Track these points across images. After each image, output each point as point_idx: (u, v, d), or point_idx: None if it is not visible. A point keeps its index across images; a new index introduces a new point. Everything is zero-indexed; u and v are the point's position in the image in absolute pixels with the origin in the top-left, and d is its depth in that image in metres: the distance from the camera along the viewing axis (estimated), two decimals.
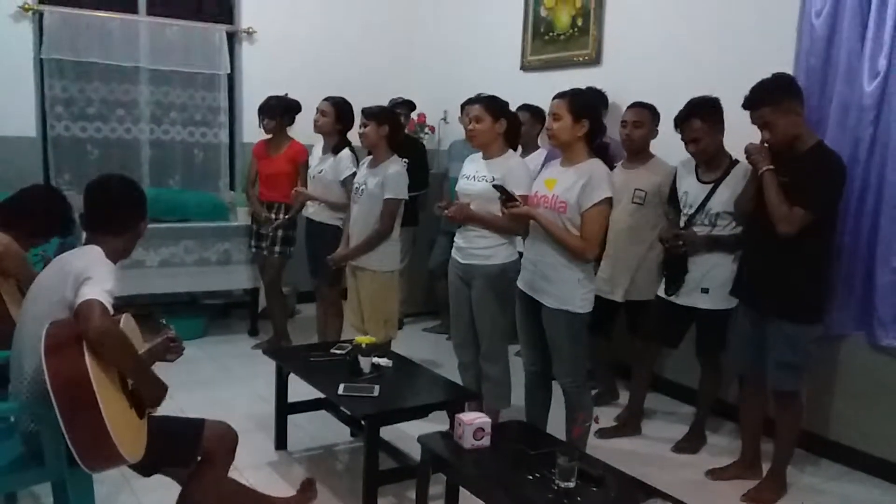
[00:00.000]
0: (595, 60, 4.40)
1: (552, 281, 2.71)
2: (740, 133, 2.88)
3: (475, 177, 3.09)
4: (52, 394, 1.72)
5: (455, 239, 3.23)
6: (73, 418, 1.73)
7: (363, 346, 2.98)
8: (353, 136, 3.94)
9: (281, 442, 3.17)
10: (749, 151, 2.76)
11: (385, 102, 4.36)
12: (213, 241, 4.64)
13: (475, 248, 3.09)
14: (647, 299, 3.44)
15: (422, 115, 5.48)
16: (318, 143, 4.11)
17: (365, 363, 2.89)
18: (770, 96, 2.65)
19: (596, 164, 2.68)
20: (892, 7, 2.91)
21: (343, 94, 4.06)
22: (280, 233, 4.37)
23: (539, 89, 4.01)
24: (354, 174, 3.78)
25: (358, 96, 4.07)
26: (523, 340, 2.95)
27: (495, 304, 3.07)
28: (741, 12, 3.57)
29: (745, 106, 2.71)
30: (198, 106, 5.29)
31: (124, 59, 4.98)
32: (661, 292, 3.25)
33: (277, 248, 4.38)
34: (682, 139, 3.10)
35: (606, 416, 3.54)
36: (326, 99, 4.01)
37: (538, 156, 3.95)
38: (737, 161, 3.07)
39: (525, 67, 4.95)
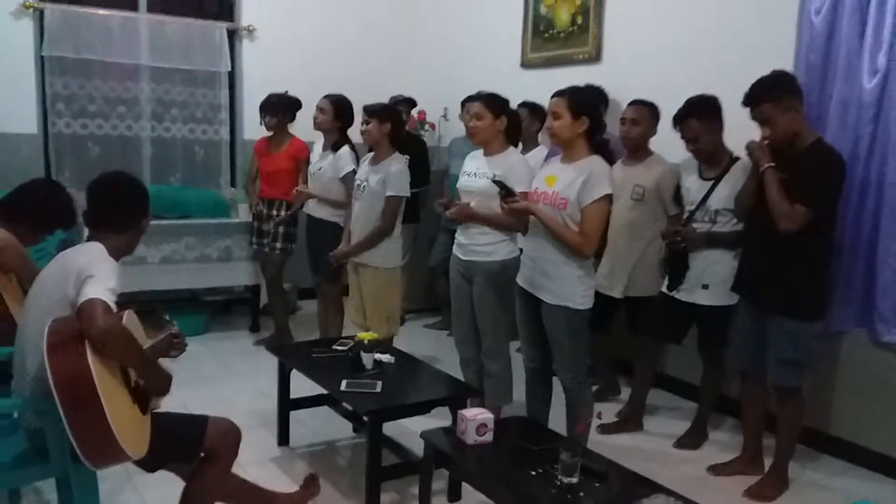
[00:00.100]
0: (595, 58, 4.40)
1: (552, 277, 2.71)
2: (741, 130, 2.88)
3: (476, 174, 3.09)
4: (54, 391, 1.72)
5: (456, 236, 3.24)
6: (75, 416, 1.73)
7: (365, 342, 2.99)
8: (355, 133, 3.95)
9: (283, 438, 3.18)
10: (750, 148, 2.76)
11: (386, 100, 4.36)
12: (214, 238, 4.64)
13: (476, 245, 3.09)
14: (646, 296, 3.45)
15: (422, 113, 5.48)
16: (318, 140, 4.11)
17: (367, 359, 2.89)
18: (770, 93, 2.66)
19: (596, 161, 2.68)
20: (892, 4, 2.91)
21: (343, 92, 4.07)
22: (281, 229, 4.37)
23: (539, 87, 4.01)
24: (354, 171, 3.79)
25: (358, 94, 4.07)
26: (523, 337, 2.96)
27: (496, 301, 3.08)
28: (741, 10, 3.57)
29: (745, 103, 2.72)
30: (199, 103, 5.30)
31: (125, 57, 4.99)
32: (664, 288, 3.26)
33: (279, 245, 4.39)
34: (681, 138, 3.11)
35: (608, 412, 3.55)
36: (326, 96, 4.01)
37: (539, 152, 3.96)
38: (737, 158, 3.08)
39: (525, 65, 4.95)
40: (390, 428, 2.75)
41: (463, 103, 4.13)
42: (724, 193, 3.04)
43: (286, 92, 4.45)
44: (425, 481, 2.44)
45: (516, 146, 3.20)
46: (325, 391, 2.93)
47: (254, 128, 4.80)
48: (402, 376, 2.92)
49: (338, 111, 3.96)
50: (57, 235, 3.19)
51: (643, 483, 2.15)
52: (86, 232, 2.17)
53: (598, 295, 2.85)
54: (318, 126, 4.01)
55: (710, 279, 3.09)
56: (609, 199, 2.66)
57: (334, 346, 3.17)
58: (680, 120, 3.10)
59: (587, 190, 2.62)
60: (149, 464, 2.08)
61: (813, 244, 2.69)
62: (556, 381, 2.91)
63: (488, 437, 2.33)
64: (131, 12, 5.02)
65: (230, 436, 2.19)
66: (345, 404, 3.06)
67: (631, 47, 4.19)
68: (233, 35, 5.37)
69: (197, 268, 4.60)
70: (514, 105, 3.34)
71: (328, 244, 3.82)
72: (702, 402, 3.38)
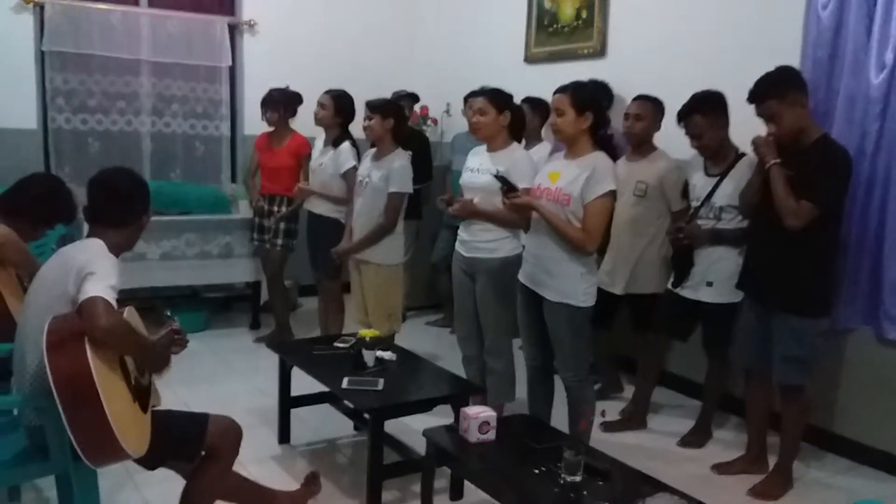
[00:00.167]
0: (600, 53, 4.38)
1: (554, 274, 2.69)
2: (747, 126, 2.85)
3: (479, 169, 3.07)
4: (54, 389, 1.71)
5: (459, 232, 3.22)
6: (75, 414, 1.72)
7: (367, 339, 2.97)
8: (356, 128, 3.93)
9: (284, 436, 3.16)
10: (756, 144, 2.74)
11: (387, 95, 4.34)
12: (214, 234, 4.62)
13: (479, 242, 3.07)
14: (648, 293, 3.43)
15: (424, 108, 5.46)
16: (320, 135, 4.09)
17: (369, 357, 2.87)
18: (775, 89, 2.64)
19: (600, 157, 2.66)
20: None
21: (345, 87, 4.04)
22: (282, 225, 4.35)
23: (543, 82, 3.96)
24: (355, 167, 3.76)
25: (360, 89, 4.05)
26: (524, 335, 2.94)
27: (499, 298, 3.06)
28: (748, 4, 3.54)
29: (750, 99, 2.70)
30: (199, 98, 5.27)
31: (125, 52, 4.96)
32: (669, 285, 3.25)
33: (280, 241, 4.37)
34: (685, 134, 3.09)
35: (611, 410, 3.53)
36: (327, 92, 3.98)
37: (542, 148, 3.93)
38: (743, 154, 3.06)
39: (529, 60, 4.92)
40: (391, 426, 2.73)
41: (466, 98, 4.08)
42: (729, 190, 3.02)
43: (287, 87, 4.42)
44: (427, 479, 2.43)
45: (520, 142, 3.17)
46: (325, 389, 2.91)
47: (254, 123, 4.78)
48: (404, 374, 2.90)
49: (338, 107, 3.93)
50: (57, 231, 3.18)
51: (647, 481, 2.13)
52: (86, 227, 2.15)
53: (600, 292, 2.83)
54: (318, 122, 3.98)
55: (715, 276, 3.07)
56: (612, 195, 2.64)
57: (335, 344, 3.15)
58: (684, 116, 3.07)
59: (590, 186, 2.60)
60: (149, 462, 2.07)
61: (819, 241, 2.67)
62: (557, 379, 2.89)
63: (491, 435, 2.32)
64: (132, 7, 5.01)
65: (231, 434, 2.17)
66: (346, 402, 3.04)
67: (636, 42, 4.16)
68: (234, 30, 5.34)
69: (197, 264, 4.58)
70: (516, 100, 3.31)
71: (329, 240, 3.80)
72: (706, 401, 3.37)
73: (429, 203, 4.86)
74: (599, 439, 3.04)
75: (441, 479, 2.59)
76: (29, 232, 2.58)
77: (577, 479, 2.04)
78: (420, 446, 2.56)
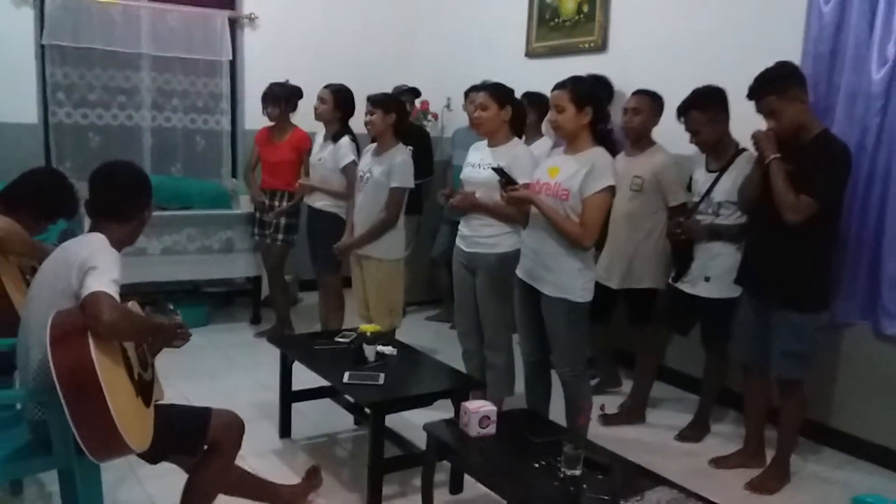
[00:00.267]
0: (601, 47, 4.37)
1: (552, 270, 2.70)
2: (749, 121, 2.85)
3: (480, 165, 3.07)
4: (57, 384, 1.72)
5: (459, 227, 3.22)
6: (79, 409, 1.73)
7: (368, 334, 2.98)
8: (356, 123, 3.93)
9: (285, 430, 3.17)
10: (757, 139, 2.74)
11: (388, 89, 4.33)
12: (215, 229, 4.63)
13: (480, 237, 3.08)
14: (644, 287, 3.44)
15: (425, 103, 5.45)
16: (321, 130, 4.09)
17: (370, 351, 2.88)
18: (774, 85, 2.64)
19: (599, 153, 2.66)
20: None
21: (346, 81, 4.04)
22: (283, 220, 4.36)
23: (544, 76, 3.96)
24: (354, 162, 3.77)
25: (360, 83, 4.05)
26: (522, 330, 2.93)
27: (500, 293, 3.06)
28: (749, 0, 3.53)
29: (750, 95, 2.70)
30: (199, 93, 5.27)
31: (126, 46, 4.96)
32: (671, 280, 3.26)
33: (280, 236, 4.38)
34: (685, 129, 3.10)
35: (610, 404, 3.54)
36: (326, 86, 3.99)
37: (543, 143, 3.93)
38: (743, 149, 3.06)
39: (530, 54, 4.92)
40: (392, 420, 2.75)
41: (466, 93, 4.11)
42: (728, 185, 3.03)
43: (287, 81, 4.42)
44: (427, 473, 2.44)
45: (521, 137, 3.17)
46: (326, 383, 2.93)
47: (255, 118, 4.77)
48: (405, 368, 2.91)
49: (338, 101, 3.93)
50: (59, 225, 3.18)
51: (646, 475, 2.15)
52: (87, 222, 2.16)
53: (597, 286, 2.83)
54: (318, 116, 3.98)
55: (712, 271, 3.09)
56: (611, 190, 2.63)
57: (336, 339, 3.16)
58: (683, 111, 3.08)
59: (589, 181, 2.60)
60: (152, 456, 2.08)
61: (818, 236, 2.68)
62: (555, 374, 2.90)
63: (491, 429, 2.33)
64: (132, 1, 4.99)
65: (233, 428, 2.18)
66: (347, 396, 3.06)
67: (637, 36, 4.16)
68: (234, 23, 5.33)
69: (198, 259, 4.60)
70: (517, 95, 3.30)
71: (328, 235, 3.81)
72: (704, 395, 3.38)
73: (429, 198, 4.87)
74: (598, 433, 3.05)
75: (441, 472, 2.60)
76: (31, 226, 2.58)
77: (577, 472, 2.05)
78: (420, 440, 2.58)
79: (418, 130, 4.89)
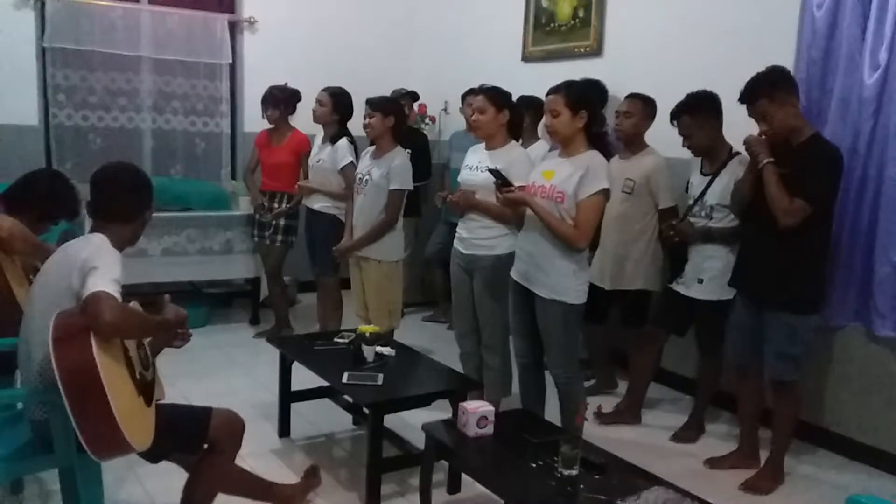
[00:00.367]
0: (596, 52, 4.40)
1: (547, 272, 2.71)
2: (742, 126, 2.88)
3: (478, 167, 3.09)
4: (60, 384, 1.73)
5: (458, 229, 3.25)
6: (81, 409, 1.74)
7: (366, 335, 3.00)
8: (354, 126, 3.95)
9: (284, 430, 3.20)
10: (749, 143, 2.77)
11: (386, 93, 4.36)
12: (215, 231, 4.66)
13: (478, 239, 3.10)
14: (635, 289, 3.46)
15: (423, 106, 5.48)
16: (319, 133, 4.12)
17: (368, 352, 2.91)
18: (765, 89, 2.67)
19: (594, 156, 2.68)
20: (894, 0, 2.92)
21: (344, 85, 4.07)
22: (282, 222, 4.38)
23: (540, 80, 3.98)
24: (352, 163, 3.80)
25: (359, 86, 4.08)
26: (515, 332, 2.95)
27: (497, 295, 3.09)
28: (743, 4, 3.57)
29: (742, 100, 2.74)
30: (199, 95, 5.29)
31: (126, 48, 4.98)
32: (668, 281, 3.29)
33: (279, 238, 4.40)
34: (678, 134, 3.14)
35: (606, 406, 3.55)
36: (325, 89, 4.02)
37: (539, 146, 3.95)
38: (736, 153, 3.09)
39: (526, 58, 4.95)
40: (390, 420, 2.77)
41: (464, 97, 4.13)
42: (720, 188, 3.06)
43: (286, 84, 4.45)
44: (426, 473, 2.46)
45: (518, 140, 3.20)
46: (325, 383, 2.95)
47: (254, 120, 4.80)
48: (404, 369, 2.94)
49: (336, 104, 3.96)
50: (60, 226, 3.20)
51: (642, 475, 2.17)
52: (88, 223, 2.18)
53: (592, 287, 2.86)
54: (316, 119, 4.02)
55: (706, 273, 3.12)
56: (605, 193, 2.65)
57: (335, 339, 3.19)
58: (675, 116, 3.13)
59: (584, 184, 2.62)
60: (152, 455, 2.10)
61: (811, 238, 2.70)
62: (549, 375, 2.92)
63: (489, 429, 2.35)
64: (133, 3, 5.02)
65: (234, 427, 2.20)
66: (346, 396, 3.08)
67: (632, 41, 4.19)
68: (234, 27, 5.36)
69: (198, 260, 4.62)
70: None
71: (326, 236, 3.83)
72: (699, 396, 3.40)
73: (427, 201, 4.89)
74: (594, 434, 3.07)
75: (439, 472, 2.62)
76: (32, 227, 2.59)
77: (574, 472, 2.08)
78: (418, 440, 2.60)
79: (416, 133, 4.92)
